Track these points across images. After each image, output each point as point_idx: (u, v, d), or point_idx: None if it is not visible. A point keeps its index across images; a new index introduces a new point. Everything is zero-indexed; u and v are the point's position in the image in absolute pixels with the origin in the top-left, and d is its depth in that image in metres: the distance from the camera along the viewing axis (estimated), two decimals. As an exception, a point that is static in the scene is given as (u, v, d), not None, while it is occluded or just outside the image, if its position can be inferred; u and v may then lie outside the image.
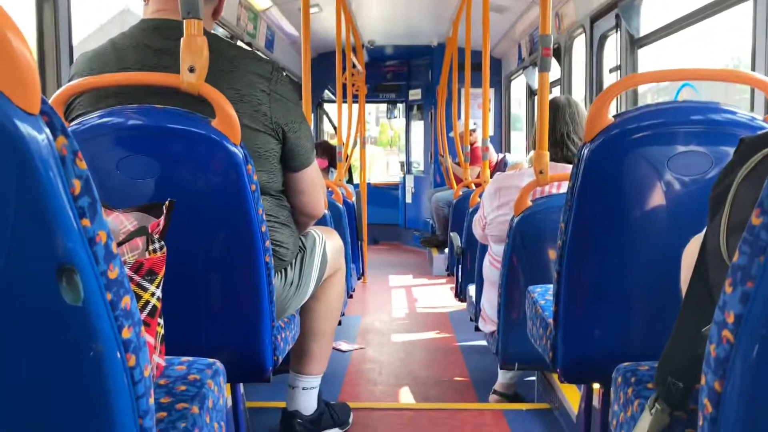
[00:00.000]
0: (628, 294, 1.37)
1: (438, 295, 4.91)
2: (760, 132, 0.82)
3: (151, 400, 0.77)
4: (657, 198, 1.29)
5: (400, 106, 8.37)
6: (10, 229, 0.63)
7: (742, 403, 0.68)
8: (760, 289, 0.63)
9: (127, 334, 0.71)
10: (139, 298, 0.90)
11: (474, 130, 5.83)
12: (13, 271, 0.65)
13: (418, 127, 8.17)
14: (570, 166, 1.41)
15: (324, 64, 6.48)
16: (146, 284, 0.90)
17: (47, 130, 0.61)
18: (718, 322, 0.70)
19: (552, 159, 2.07)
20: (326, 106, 8.38)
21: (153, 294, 0.91)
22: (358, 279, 4.57)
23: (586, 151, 1.31)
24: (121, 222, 1.03)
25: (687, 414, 0.93)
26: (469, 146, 4.62)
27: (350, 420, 2.04)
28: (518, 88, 6.86)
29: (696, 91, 3.25)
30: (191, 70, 1.33)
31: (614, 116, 1.31)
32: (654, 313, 1.35)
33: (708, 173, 1.26)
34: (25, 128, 0.59)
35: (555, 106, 2.12)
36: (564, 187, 1.84)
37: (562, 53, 4.57)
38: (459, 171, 5.39)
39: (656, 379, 0.91)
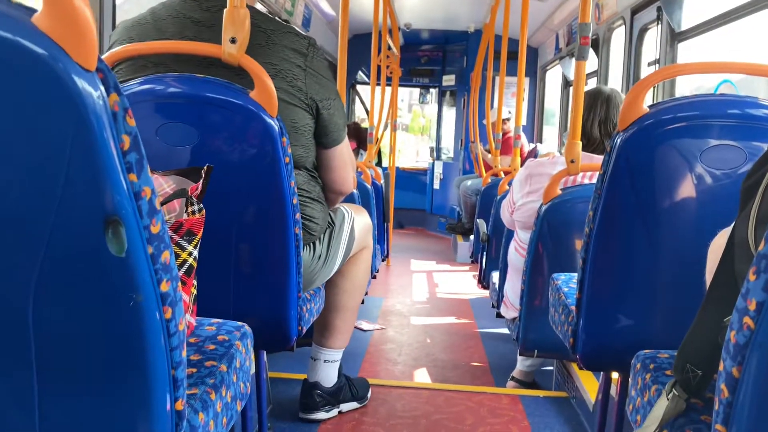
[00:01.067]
0: (652, 284, 1.37)
1: (460, 282, 4.93)
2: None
3: (184, 353, 0.81)
4: (687, 190, 1.29)
5: (433, 91, 8.34)
6: (63, 179, 0.66)
7: (758, 389, 0.69)
8: (783, 277, 0.64)
9: (165, 287, 0.75)
10: (177, 256, 0.94)
11: (507, 119, 5.80)
12: (63, 221, 0.68)
13: (449, 113, 8.14)
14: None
15: (359, 46, 6.49)
16: (185, 244, 0.94)
17: (102, 87, 0.64)
18: (739, 309, 0.71)
19: (598, 150, 2.07)
20: (359, 88, 8.39)
21: (190, 254, 0.95)
22: (382, 261, 4.60)
23: (618, 140, 1.31)
24: (160, 184, 1.07)
25: (704, 402, 0.94)
26: (500, 134, 4.60)
27: (369, 395, 2.07)
28: (553, 82, 6.79)
29: (736, 89, 3.19)
30: (233, 41, 1.35)
31: (649, 106, 1.30)
32: (677, 305, 1.35)
33: (741, 168, 1.26)
34: (82, 84, 0.63)
35: (606, 97, 2.09)
36: (595, 178, 1.84)
37: (600, 44, 4.51)
38: (489, 158, 5.38)
39: (675, 365, 0.92)
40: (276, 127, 1.39)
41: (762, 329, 0.68)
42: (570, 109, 1.86)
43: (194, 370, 0.99)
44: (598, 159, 2.01)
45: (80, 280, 0.72)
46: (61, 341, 0.75)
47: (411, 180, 8.23)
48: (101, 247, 0.69)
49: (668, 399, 0.93)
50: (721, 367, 0.75)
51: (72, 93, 0.63)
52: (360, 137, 5.68)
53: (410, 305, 4.06)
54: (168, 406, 0.79)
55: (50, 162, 0.66)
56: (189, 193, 0.97)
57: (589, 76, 4.74)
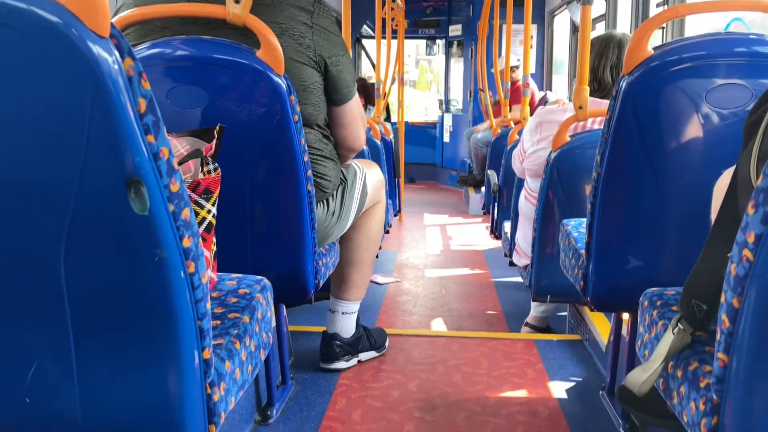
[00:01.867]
0: (660, 225, 1.39)
1: (473, 234, 4.96)
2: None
3: (208, 305, 0.85)
4: (693, 131, 1.30)
5: (440, 42, 8.23)
6: (85, 144, 0.69)
7: (757, 318, 0.72)
8: (780, 208, 0.66)
9: (187, 243, 0.78)
10: (196, 214, 0.97)
11: (516, 67, 5.73)
12: (87, 183, 0.72)
13: (457, 64, 8.05)
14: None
15: (363, -1, 6.39)
16: (203, 202, 0.97)
17: (116, 53, 0.67)
18: (739, 243, 0.74)
19: (610, 95, 2.06)
20: (365, 43, 8.29)
21: (209, 211, 0.98)
22: (395, 216, 4.63)
23: (623, 84, 1.32)
24: (174, 146, 1.10)
25: (708, 335, 0.97)
26: (509, 83, 4.56)
27: (386, 344, 2.14)
28: (561, 28, 6.66)
29: (747, 28, 3.14)
30: (237, 1, 1.36)
31: (654, 48, 1.30)
32: (684, 244, 1.38)
33: (746, 106, 1.26)
34: (97, 50, 0.65)
35: (618, 41, 2.08)
36: (603, 123, 1.84)
37: (608, -13, 4.42)
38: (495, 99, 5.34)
39: (681, 301, 0.96)
40: (284, 86, 1.41)
41: (761, 261, 0.71)
42: (578, 54, 1.86)
43: (218, 322, 1.03)
44: (606, 104, 2.01)
45: (107, 239, 0.76)
46: (93, 298, 0.79)
47: (420, 134, 8.20)
48: (125, 206, 0.72)
49: (674, 333, 0.96)
50: (722, 299, 0.78)
51: (88, 59, 0.65)
52: (367, 93, 5.66)
53: (424, 258, 4.11)
54: (196, 355, 0.83)
55: (71, 127, 0.69)
56: (203, 153, 1.00)
57: (597, 20, 4.66)
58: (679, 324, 0.96)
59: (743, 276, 0.72)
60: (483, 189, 5.19)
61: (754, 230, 0.70)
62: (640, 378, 0.99)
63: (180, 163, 1.00)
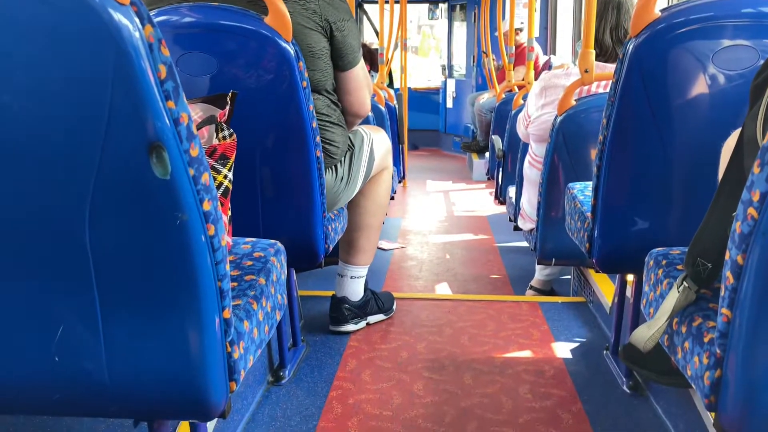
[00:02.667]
0: (665, 187, 1.41)
1: (477, 200, 4.98)
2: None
3: (227, 267, 0.88)
4: (700, 93, 1.31)
5: (442, 6, 8.13)
6: (108, 110, 0.71)
7: (761, 275, 0.75)
8: (784, 167, 0.68)
9: (207, 206, 0.81)
10: (213, 179, 0.99)
11: (520, 30, 5.67)
12: (110, 149, 0.74)
13: (460, 28, 7.95)
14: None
15: (365, -38, 6.30)
16: (219, 167, 0.99)
17: (136, 19, 0.68)
18: (744, 201, 0.76)
19: (611, 59, 2.06)
20: (367, 8, 8.18)
21: (225, 176, 1.01)
22: (399, 182, 4.65)
23: (630, 47, 1.32)
24: (188, 113, 1.11)
25: (712, 292, 1.00)
26: (513, 47, 4.53)
27: (394, 307, 2.18)
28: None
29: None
30: (244, -34, 1.36)
31: (661, 10, 1.31)
32: (689, 206, 1.40)
33: (754, 67, 1.27)
34: (118, 17, 0.66)
35: (617, 3, 2.06)
36: (609, 87, 1.84)
37: (614, -52, 4.35)
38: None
39: (686, 260, 0.98)
40: (292, 52, 1.41)
41: (765, 218, 0.73)
42: (583, 18, 1.85)
43: (235, 284, 1.06)
44: (611, 68, 2.00)
45: (130, 203, 0.78)
46: (117, 262, 0.82)
47: (424, 100, 8.15)
48: (147, 171, 0.74)
49: (679, 291, 0.99)
50: (727, 257, 0.81)
51: (110, 27, 0.67)
52: (372, 59, 5.62)
53: (429, 224, 4.14)
54: (216, 315, 0.86)
55: (94, 94, 0.71)
56: (218, 120, 1.01)
57: (603, -19, 4.59)
58: (684, 282, 0.98)
59: (748, 233, 0.75)
60: (487, 155, 5.18)
61: (759, 189, 0.72)
62: (645, 334, 1.02)
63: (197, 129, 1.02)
